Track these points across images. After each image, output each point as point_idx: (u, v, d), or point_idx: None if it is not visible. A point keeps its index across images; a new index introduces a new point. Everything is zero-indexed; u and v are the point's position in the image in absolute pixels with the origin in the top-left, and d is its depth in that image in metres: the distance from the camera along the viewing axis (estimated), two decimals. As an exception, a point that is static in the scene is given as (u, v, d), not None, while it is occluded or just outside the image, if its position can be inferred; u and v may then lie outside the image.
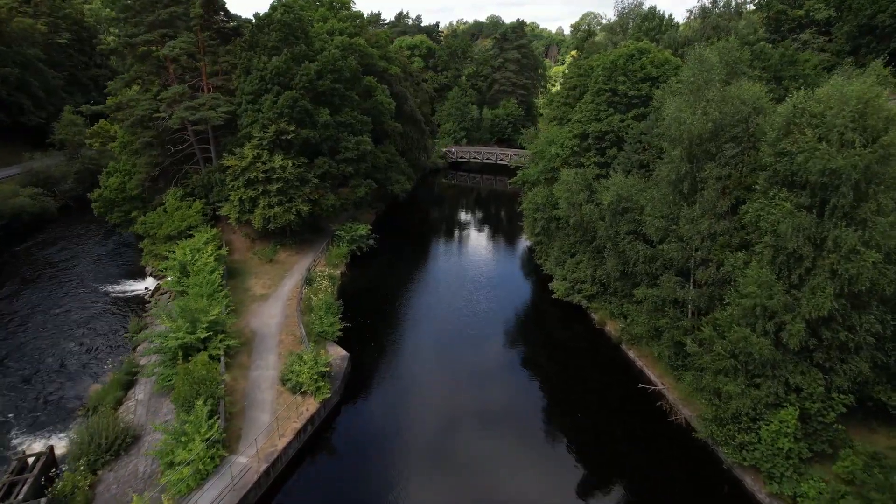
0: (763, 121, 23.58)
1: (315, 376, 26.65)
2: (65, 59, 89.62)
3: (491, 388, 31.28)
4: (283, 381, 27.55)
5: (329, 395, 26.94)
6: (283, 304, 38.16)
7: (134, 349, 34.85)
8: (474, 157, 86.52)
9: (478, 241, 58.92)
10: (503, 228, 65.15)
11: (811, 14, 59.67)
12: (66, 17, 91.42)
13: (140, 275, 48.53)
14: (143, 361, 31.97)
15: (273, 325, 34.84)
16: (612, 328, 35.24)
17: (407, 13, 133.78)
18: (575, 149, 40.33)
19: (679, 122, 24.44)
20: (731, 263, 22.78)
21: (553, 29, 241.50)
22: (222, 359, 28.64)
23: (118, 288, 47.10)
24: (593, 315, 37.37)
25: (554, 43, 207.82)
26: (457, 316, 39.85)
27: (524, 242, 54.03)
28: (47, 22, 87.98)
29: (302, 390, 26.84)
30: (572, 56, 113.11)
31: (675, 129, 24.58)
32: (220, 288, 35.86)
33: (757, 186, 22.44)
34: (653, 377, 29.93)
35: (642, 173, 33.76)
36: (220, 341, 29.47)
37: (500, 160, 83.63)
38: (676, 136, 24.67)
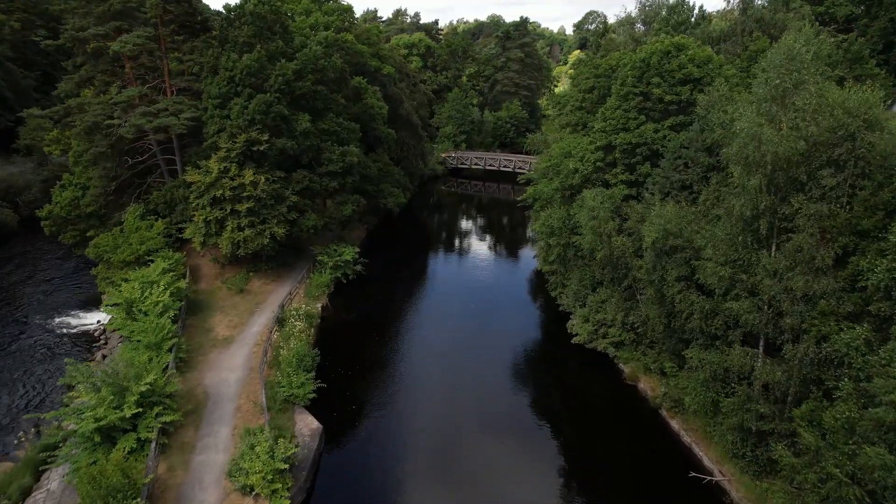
0: (879, 138, 17.19)
1: (270, 475, 20.15)
2: (40, 58, 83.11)
3: (502, 466, 24.77)
4: (231, 476, 21.09)
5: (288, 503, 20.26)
6: (248, 351, 31.67)
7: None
8: (476, 163, 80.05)
9: (482, 262, 52.32)
10: (509, 245, 58.63)
11: (831, 11, 53.62)
12: (42, 14, 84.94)
13: (96, 303, 42.00)
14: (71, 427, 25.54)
15: (232, 383, 28.34)
16: (647, 386, 28.76)
17: (405, 10, 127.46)
18: (598, 164, 33.92)
19: (757, 140, 18.03)
20: (842, 341, 16.34)
21: (555, 28, 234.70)
22: (154, 444, 22.09)
23: (69, 320, 40.69)
24: (622, 366, 30.91)
25: (556, 42, 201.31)
26: (460, 358, 33.42)
27: (533, 262, 47.50)
28: (21, 18, 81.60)
29: (253, 493, 20.35)
30: (577, 55, 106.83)
31: (754, 149, 18.15)
32: (171, 336, 29.38)
33: (889, 236, 16.04)
34: (707, 461, 23.47)
35: (685, 196, 27.36)
36: (156, 417, 22.98)
37: (504, 167, 77.21)
38: (755, 158, 18.24)
